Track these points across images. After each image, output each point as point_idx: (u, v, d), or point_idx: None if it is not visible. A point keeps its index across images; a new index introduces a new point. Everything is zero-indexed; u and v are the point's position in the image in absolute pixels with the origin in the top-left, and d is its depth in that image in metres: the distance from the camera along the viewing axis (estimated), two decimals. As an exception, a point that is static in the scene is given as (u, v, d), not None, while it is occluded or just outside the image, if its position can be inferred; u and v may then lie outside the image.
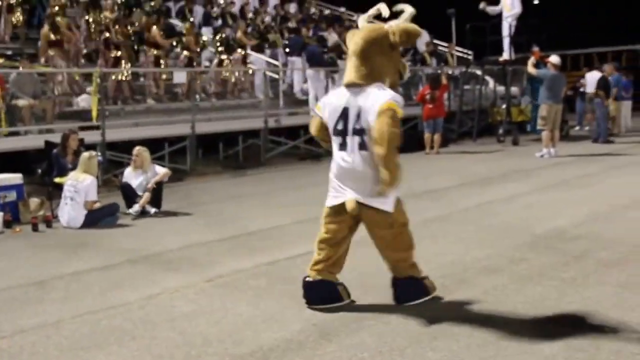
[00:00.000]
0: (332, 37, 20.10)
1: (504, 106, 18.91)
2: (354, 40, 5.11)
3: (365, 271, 6.08)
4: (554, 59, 15.20)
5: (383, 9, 5.19)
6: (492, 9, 18.34)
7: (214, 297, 5.54)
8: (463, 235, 7.50)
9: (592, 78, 18.84)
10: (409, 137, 17.29)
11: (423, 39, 22.70)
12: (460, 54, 23.82)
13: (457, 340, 4.40)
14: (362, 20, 5.35)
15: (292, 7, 24.33)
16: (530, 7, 19.94)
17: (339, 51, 18.73)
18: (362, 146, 4.95)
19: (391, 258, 5.20)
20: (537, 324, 4.67)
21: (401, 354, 4.24)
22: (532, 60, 15.47)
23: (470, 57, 22.88)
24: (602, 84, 17.80)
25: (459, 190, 10.66)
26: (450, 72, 21.04)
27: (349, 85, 5.06)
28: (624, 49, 34.09)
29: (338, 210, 5.11)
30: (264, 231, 8.08)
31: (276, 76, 17.56)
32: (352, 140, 4.99)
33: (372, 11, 5.30)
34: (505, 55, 18.60)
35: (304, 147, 16.20)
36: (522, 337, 4.42)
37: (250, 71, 17.80)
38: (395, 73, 5.17)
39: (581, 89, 20.57)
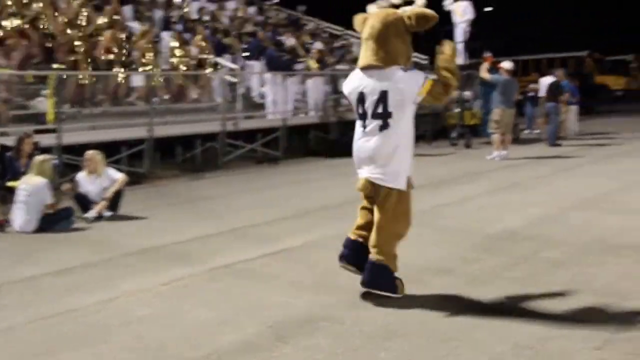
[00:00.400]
0: (289, 41, 20.10)
1: (457, 110, 19.12)
2: (369, 24, 5.25)
3: (323, 271, 6.11)
4: (507, 64, 15.45)
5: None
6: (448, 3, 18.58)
7: (171, 300, 5.50)
8: (418, 237, 7.48)
9: (545, 83, 19.30)
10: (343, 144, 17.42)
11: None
12: (417, 59, 23.99)
13: (409, 341, 4.44)
14: (374, 7, 5.46)
15: (250, 11, 24.26)
16: (482, 14, 20.20)
17: (295, 55, 18.77)
18: (383, 127, 5.18)
19: (383, 234, 5.28)
20: (488, 323, 4.73)
21: (354, 355, 4.26)
22: (485, 66, 15.69)
23: (425, 62, 23.07)
24: (555, 88, 18.18)
25: (414, 193, 10.64)
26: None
27: (366, 68, 5.22)
28: (570, 56, 35.11)
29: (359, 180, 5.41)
30: (220, 234, 8.04)
31: (234, 80, 17.49)
32: (372, 123, 5.22)
33: (383, 2, 5.46)
34: (460, 60, 18.78)
35: (261, 150, 16.16)
36: (473, 336, 4.48)
37: (209, 75, 17.69)
38: (409, 58, 5.30)
39: (530, 94, 20.95)
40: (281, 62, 18.16)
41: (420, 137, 19.40)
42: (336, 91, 18.98)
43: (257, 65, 18.84)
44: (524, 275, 5.91)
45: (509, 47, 33.55)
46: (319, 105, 19.04)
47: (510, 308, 5.04)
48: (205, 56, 17.75)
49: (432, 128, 19.38)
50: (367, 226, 5.46)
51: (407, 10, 5.26)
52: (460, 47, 18.63)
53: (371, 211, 5.44)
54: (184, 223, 8.80)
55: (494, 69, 16.55)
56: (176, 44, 17.53)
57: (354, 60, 22.82)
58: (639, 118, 26.91)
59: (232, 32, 20.74)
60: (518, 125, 18.97)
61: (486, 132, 18.02)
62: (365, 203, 5.52)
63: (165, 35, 18.73)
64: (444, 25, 19.31)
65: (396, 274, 5.34)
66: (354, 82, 5.36)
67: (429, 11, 5.23)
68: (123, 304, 5.43)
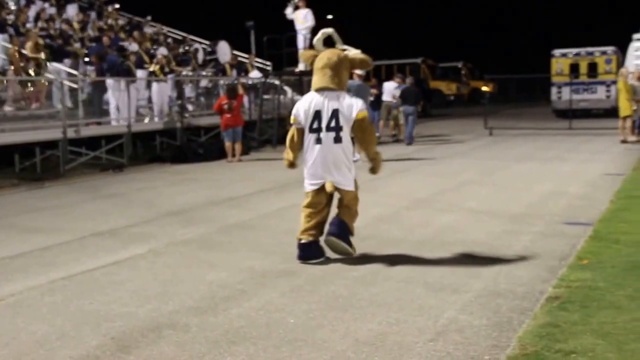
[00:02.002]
0: (132, 47, 19.55)
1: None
2: (327, 57, 6.50)
3: (168, 279, 5.97)
4: (359, 70, 15.78)
5: (331, 33, 7.05)
6: (289, 12, 18.79)
7: (5, 317, 5.15)
8: (262, 240, 7.56)
9: (389, 88, 20.20)
10: (210, 146, 17.29)
11: (224, 52, 22.77)
12: (260, 65, 24.12)
13: (254, 344, 4.41)
14: (317, 42, 7.01)
15: (92, 16, 23.42)
16: (324, 22, 20.59)
17: (139, 60, 18.28)
18: (336, 140, 6.39)
19: (349, 218, 6.58)
20: (331, 322, 4.79)
21: (199, 361, 4.18)
22: None
23: (269, 68, 23.23)
24: (410, 93, 19.07)
25: (259, 197, 10.76)
26: (250, 82, 21.24)
27: (322, 89, 6.44)
28: (406, 62, 36.72)
29: (317, 191, 6.47)
30: (59, 245, 7.65)
31: (75, 86, 16.79)
32: (327, 136, 6.39)
33: (320, 35, 7.01)
34: (301, 67, 19.06)
35: (106, 157, 15.62)
36: (315, 336, 4.52)
37: (46, 81, 16.86)
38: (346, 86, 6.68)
39: (371, 98, 21.60)
40: (123, 68, 17.63)
41: (267, 141, 19.55)
42: (181, 97, 18.71)
43: (99, 70, 18.19)
44: (364, 273, 6.04)
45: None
46: (164, 111, 18.68)
47: (352, 306, 5.13)
48: (41, 61, 16.89)
49: (277, 132, 19.49)
50: (317, 226, 6.53)
51: (350, 53, 6.76)
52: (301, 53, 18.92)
53: (319, 213, 6.51)
54: (20, 235, 8.31)
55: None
56: (11, 47, 16.60)
57: (204, 66, 22.55)
58: (469, 121, 28.49)
59: (72, 36, 19.94)
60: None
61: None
62: (312, 209, 6.51)
63: (0, 38, 17.72)
64: (285, 32, 19.61)
65: (353, 234, 6.63)
66: (309, 101, 6.48)
67: (368, 58, 6.77)
68: (-48, 324, 5.03)
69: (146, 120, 18.48)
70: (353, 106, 6.42)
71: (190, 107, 19.96)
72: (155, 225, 8.64)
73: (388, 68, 35.40)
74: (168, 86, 18.78)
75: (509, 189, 10.75)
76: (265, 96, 20.99)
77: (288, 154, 6.75)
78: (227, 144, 16.24)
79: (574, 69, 29.21)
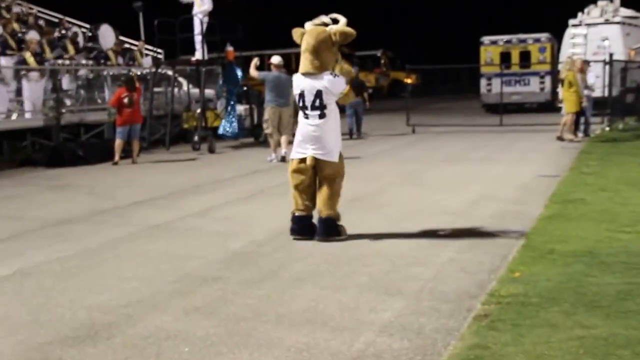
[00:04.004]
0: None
1: (199, 110, 19.19)
2: (306, 40, 7.87)
3: (40, 303, 5.81)
4: (275, 59, 15.69)
5: (325, 19, 8.06)
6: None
7: None
8: (151, 255, 7.46)
9: None
10: (91, 147, 16.93)
11: (108, 36, 22.36)
12: (151, 53, 23.80)
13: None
14: (309, 24, 8.06)
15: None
16: (223, 5, 20.50)
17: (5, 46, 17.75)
18: (321, 116, 7.88)
19: (327, 194, 7.92)
20: (231, 349, 4.76)
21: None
22: (254, 62, 15.71)
23: (160, 56, 22.96)
24: (358, 85, 19.05)
25: (149, 205, 10.61)
26: (140, 72, 20.93)
27: (306, 74, 7.91)
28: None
29: (301, 160, 7.95)
30: None
31: None
32: (313, 113, 7.90)
33: (317, 20, 8.07)
34: (198, 55, 18.93)
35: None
36: (213, 365, 4.48)
37: None
38: (337, 61, 8.12)
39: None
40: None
41: (158, 141, 19.29)
42: (57, 89, 18.23)
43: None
44: (269, 291, 6.03)
45: (255, 40, 34.38)
46: (36, 107, 18.16)
47: (256, 330, 5.09)
48: None
49: (170, 132, 19.26)
50: (311, 201, 8.02)
51: (332, 28, 7.90)
52: (197, 40, 18.79)
53: (307, 188, 7.99)
54: None
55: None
56: None
57: (84, 53, 21.92)
58: (389, 117, 28.87)
59: None
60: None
61: (231, 133, 18.41)
62: (299, 182, 7.97)
63: None
64: (179, 15, 19.42)
65: (340, 221, 8.00)
66: (297, 84, 8.00)
67: (349, 29, 7.91)
68: None
69: (14, 116, 17.95)
70: (336, 84, 7.91)
71: (67, 102, 19.48)
72: (24, 241, 8.40)
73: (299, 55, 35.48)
74: (42, 76, 18.28)
75: (433, 193, 10.96)
76: (157, 89, 20.71)
77: None
78: (118, 142, 15.89)
79: (505, 58, 29.81)
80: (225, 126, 18.63)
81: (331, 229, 7.92)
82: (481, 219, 8.82)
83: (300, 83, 8.02)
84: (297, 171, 8.03)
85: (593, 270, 6.24)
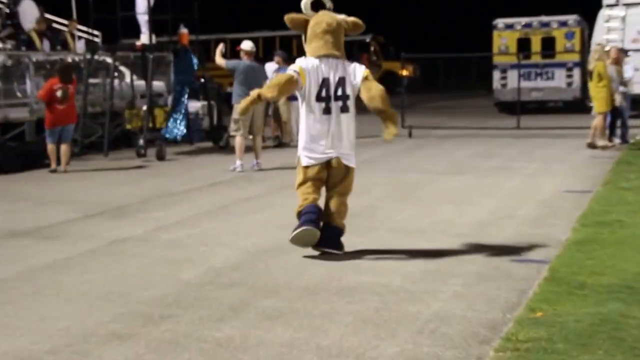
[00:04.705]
0: None
1: (145, 107, 19.10)
2: (326, 22, 8.29)
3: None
4: (247, 44, 15.55)
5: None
6: None
7: None
8: (83, 289, 7.39)
9: (270, 70, 19.07)
10: (10, 151, 16.80)
11: (31, 14, 22.22)
12: (84, 35, 23.69)
13: None
14: (306, 4, 8.46)
15: None
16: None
17: None
18: (344, 109, 8.30)
19: (345, 205, 8.51)
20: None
21: None
22: (220, 49, 15.64)
23: (97, 40, 22.87)
24: None
25: (84, 225, 10.55)
26: (71, 59, 20.83)
27: (329, 56, 8.28)
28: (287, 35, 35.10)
29: (319, 166, 8.31)
30: None
31: None
32: (336, 105, 8.25)
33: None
34: (144, 39, 18.88)
35: None
36: None
37: None
38: None
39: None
40: None
41: (94, 145, 19.18)
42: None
43: None
44: (230, 333, 5.99)
45: (214, 22, 34.32)
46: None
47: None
48: None
49: (109, 133, 19.14)
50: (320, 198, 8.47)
51: (345, 17, 8.48)
52: (141, 20, 18.75)
53: (317, 190, 8.41)
54: None
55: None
56: None
57: (6, 31, 21.69)
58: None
59: None
60: (226, 128, 19.34)
61: (175, 136, 18.38)
62: (310, 187, 8.35)
63: None
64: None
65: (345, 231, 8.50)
66: (317, 71, 8.23)
67: (360, 22, 8.52)
68: None
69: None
70: (356, 69, 8.34)
71: (12, 95, 19.35)
72: None
73: (267, 41, 35.22)
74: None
75: (434, 211, 10.97)
76: (92, 80, 20.60)
77: (270, 91, 8.33)
78: (51, 147, 15.89)
79: (524, 46, 29.75)
80: (171, 126, 18.56)
81: (338, 240, 8.38)
82: (494, 244, 8.83)
83: (321, 68, 8.27)
84: (316, 180, 8.37)
85: (633, 310, 6.24)
